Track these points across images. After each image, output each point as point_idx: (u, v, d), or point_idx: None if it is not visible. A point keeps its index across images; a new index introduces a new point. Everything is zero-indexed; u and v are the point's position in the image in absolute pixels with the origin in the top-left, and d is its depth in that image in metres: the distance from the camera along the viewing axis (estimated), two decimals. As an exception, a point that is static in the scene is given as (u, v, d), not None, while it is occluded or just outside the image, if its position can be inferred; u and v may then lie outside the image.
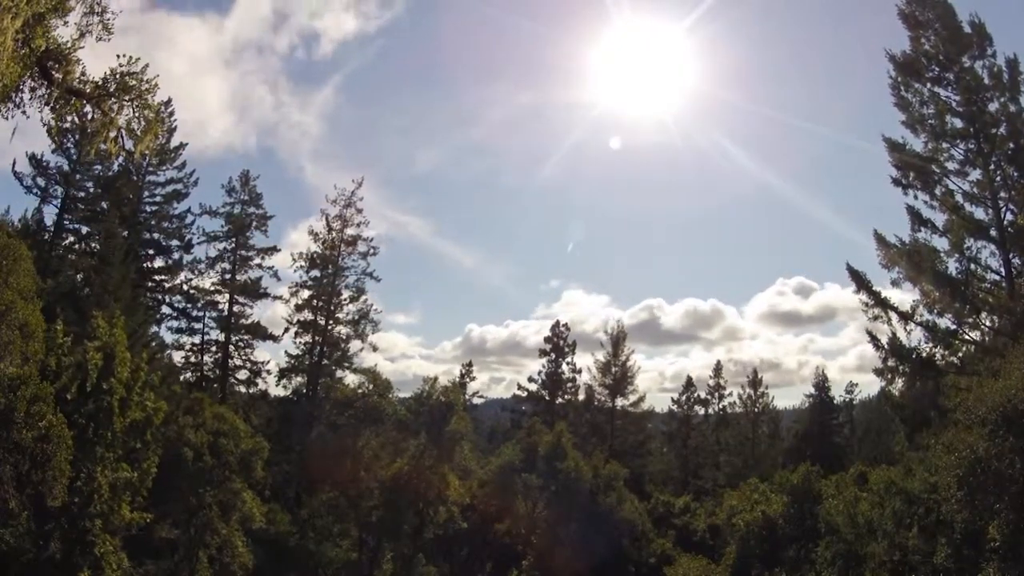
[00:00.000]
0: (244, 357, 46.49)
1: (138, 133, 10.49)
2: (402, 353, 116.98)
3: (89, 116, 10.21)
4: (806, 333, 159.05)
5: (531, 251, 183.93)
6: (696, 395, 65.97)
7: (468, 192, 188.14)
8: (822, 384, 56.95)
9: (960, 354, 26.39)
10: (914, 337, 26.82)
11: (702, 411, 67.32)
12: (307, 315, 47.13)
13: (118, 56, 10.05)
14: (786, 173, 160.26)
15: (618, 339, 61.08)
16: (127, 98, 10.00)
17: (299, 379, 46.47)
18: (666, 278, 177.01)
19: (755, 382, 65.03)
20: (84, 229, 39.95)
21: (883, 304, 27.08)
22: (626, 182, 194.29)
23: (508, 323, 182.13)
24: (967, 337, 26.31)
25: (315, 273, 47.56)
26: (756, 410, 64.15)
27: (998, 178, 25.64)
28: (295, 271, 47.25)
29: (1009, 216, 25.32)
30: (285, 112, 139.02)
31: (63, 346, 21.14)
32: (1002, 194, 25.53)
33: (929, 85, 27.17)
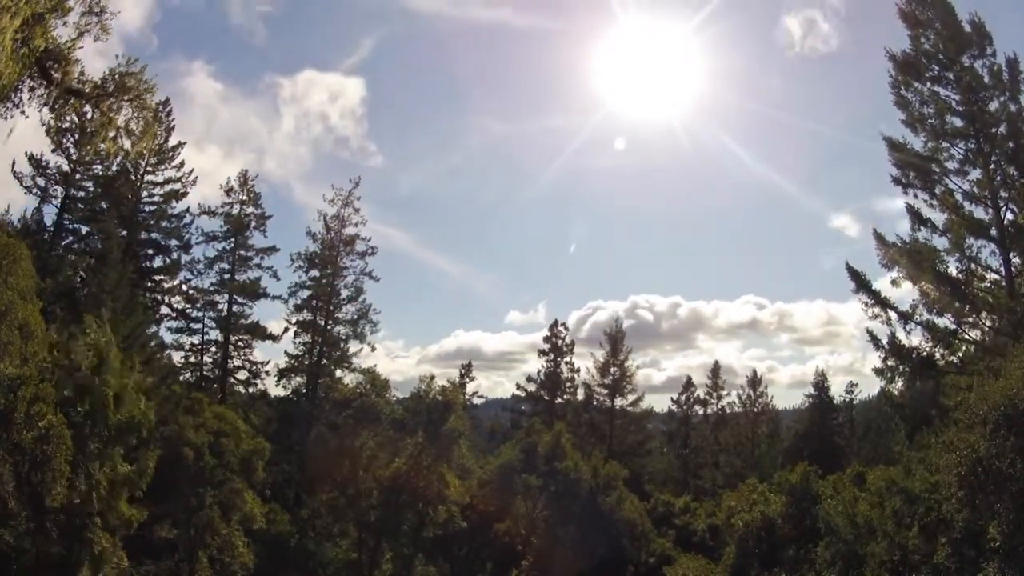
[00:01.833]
0: (244, 357, 46.46)
1: (137, 133, 10.47)
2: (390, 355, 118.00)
3: (88, 116, 10.20)
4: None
5: (514, 261, 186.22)
6: (695, 395, 66.11)
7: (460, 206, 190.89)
8: (822, 384, 56.99)
9: (960, 354, 26.36)
10: (914, 337, 26.83)
11: (701, 411, 67.45)
12: (306, 315, 47.15)
13: (116, 56, 10.05)
14: (789, 173, 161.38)
15: (616, 339, 61.11)
16: (126, 98, 9.98)
17: (298, 379, 46.50)
18: (636, 281, 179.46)
19: (754, 382, 65.16)
20: (83, 229, 39.91)
21: (883, 304, 27.07)
22: (625, 186, 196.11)
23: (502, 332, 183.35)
24: (967, 337, 26.29)
25: (314, 273, 47.62)
26: (755, 410, 64.23)
27: (998, 177, 25.61)
28: (294, 271, 47.35)
29: (1009, 215, 25.28)
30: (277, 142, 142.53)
31: (57, 345, 21.11)
32: (1002, 193, 25.49)
33: (929, 84, 27.13)
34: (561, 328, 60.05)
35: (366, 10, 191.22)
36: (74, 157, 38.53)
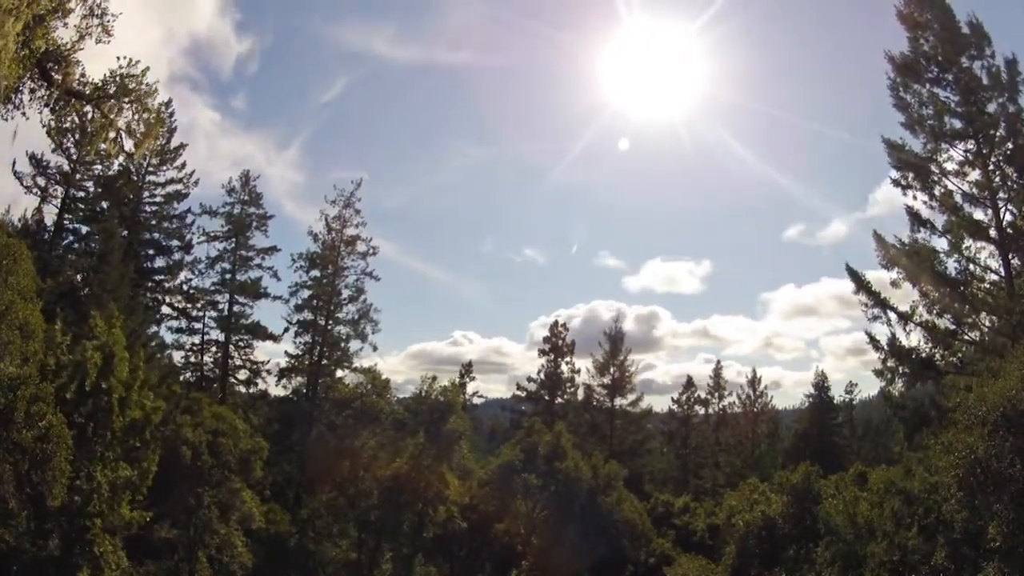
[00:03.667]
0: (244, 357, 46.47)
1: (138, 135, 10.47)
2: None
3: (89, 117, 10.20)
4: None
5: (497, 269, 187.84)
6: (696, 395, 66.06)
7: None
8: (822, 384, 56.96)
9: (960, 354, 26.39)
10: (913, 338, 26.85)
11: (702, 411, 67.42)
12: (307, 315, 47.15)
13: (118, 58, 10.06)
14: (792, 172, 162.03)
15: (616, 339, 61.11)
16: (127, 100, 9.99)
17: (299, 379, 46.47)
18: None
19: (754, 382, 65.12)
20: (84, 229, 39.85)
21: (882, 304, 27.09)
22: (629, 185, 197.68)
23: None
24: (966, 337, 26.31)
25: (315, 273, 47.62)
26: (756, 410, 64.19)
27: (997, 178, 25.62)
28: (295, 271, 47.38)
29: (1008, 216, 25.30)
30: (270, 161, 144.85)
31: (62, 346, 21.13)
32: (1001, 194, 25.51)
33: (928, 86, 27.15)
34: (561, 328, 60.10)
35: (339, 54, 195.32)
36: (75, 157, 38.53)
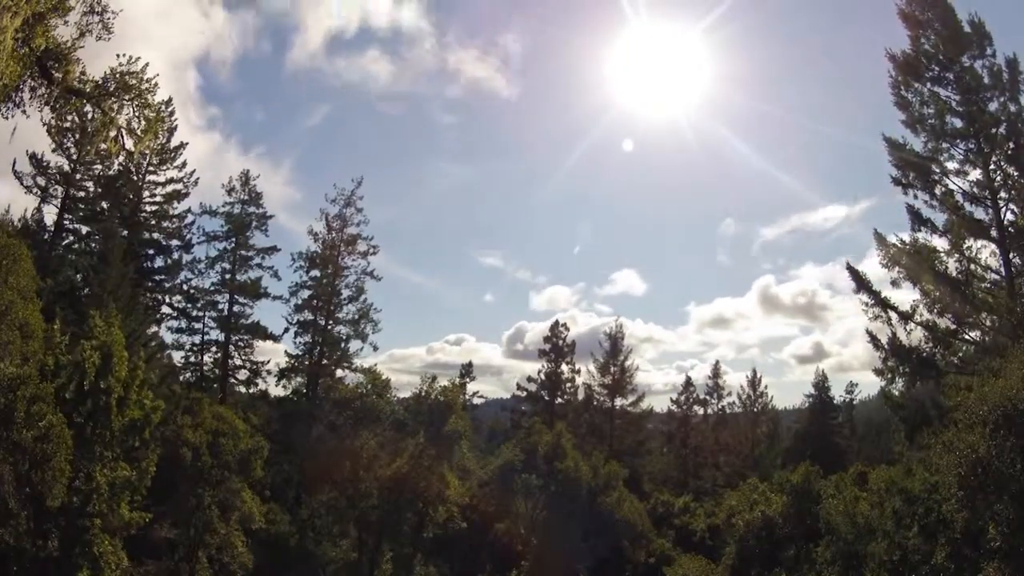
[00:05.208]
0: (244, 357, 46.39)
1: (138, 132, 10.43)
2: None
3: (89, 115, 10.17)
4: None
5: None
6: (695, 395, 66.08)
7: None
8: (822, 384, 56.99)
9: (960, 354, 26.37)
10: (914, 337, 26.83)
11: (701, 411, 67.44)
12: (307, 315, 47.11)
13: (118, 55, 10.03)
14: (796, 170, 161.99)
15: (616, 339, 61.12)
16: (127, 97, 9.96)
17: (299, 379, 46.41)
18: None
19: (754, 382, 65.11)
20: (84, 229, 39.84)
21: (883, 304, 27.08)
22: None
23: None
24: (967, 337, 26.30)
25: (315, 273, 47.58)
26: (755, 410, 64.20)
27: (998, 178, 25.61)
28: (295, 271, 47.35)
29: (1009, 216, 25.29)
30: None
31: (60, 345, 21.11)
32: (1002, 194, 25.49)
33: (929, 85, 27.13)
34: (562, 329, 60.12)
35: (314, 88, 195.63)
36: (75, 157, 38.50)
